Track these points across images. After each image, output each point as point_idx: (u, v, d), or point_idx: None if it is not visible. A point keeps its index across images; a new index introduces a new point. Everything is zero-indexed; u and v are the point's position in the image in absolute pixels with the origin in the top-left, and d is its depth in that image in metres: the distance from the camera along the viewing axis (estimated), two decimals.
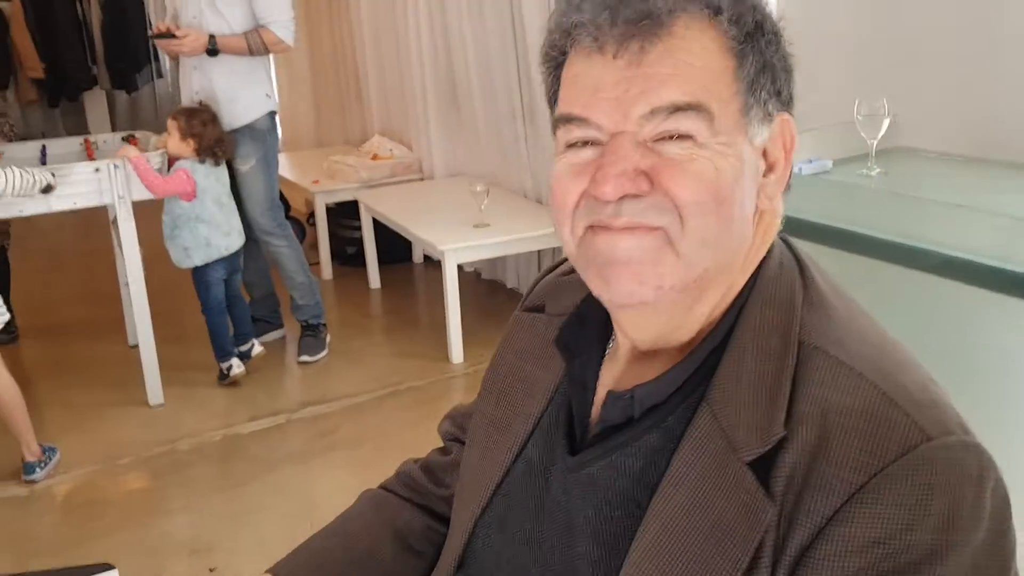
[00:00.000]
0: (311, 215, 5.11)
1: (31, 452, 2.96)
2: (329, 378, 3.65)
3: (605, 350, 0.83)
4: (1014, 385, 1.59)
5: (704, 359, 0.73)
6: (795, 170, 1.98)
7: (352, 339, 4.00)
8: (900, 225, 1.70)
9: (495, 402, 0.90)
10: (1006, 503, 0.67)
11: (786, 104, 0.75)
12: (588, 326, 0.80)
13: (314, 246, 4.96)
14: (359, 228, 4.63)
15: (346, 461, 2.96)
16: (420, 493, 1.02)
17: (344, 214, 4.85)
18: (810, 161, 2.01)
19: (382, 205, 4.22)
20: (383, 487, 1.05)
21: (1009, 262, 1.53)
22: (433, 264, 4.30)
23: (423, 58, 4.60)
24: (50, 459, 3.01)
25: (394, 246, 4.60)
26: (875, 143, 1.96)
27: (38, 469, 2.96)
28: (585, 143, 0.72)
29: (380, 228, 4.40)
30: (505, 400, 0.88)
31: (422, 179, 4.84)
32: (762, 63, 0.72)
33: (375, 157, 5.00)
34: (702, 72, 0.70)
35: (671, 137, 0.70)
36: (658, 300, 0.73)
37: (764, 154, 0.74)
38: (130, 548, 2.57)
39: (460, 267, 3.73)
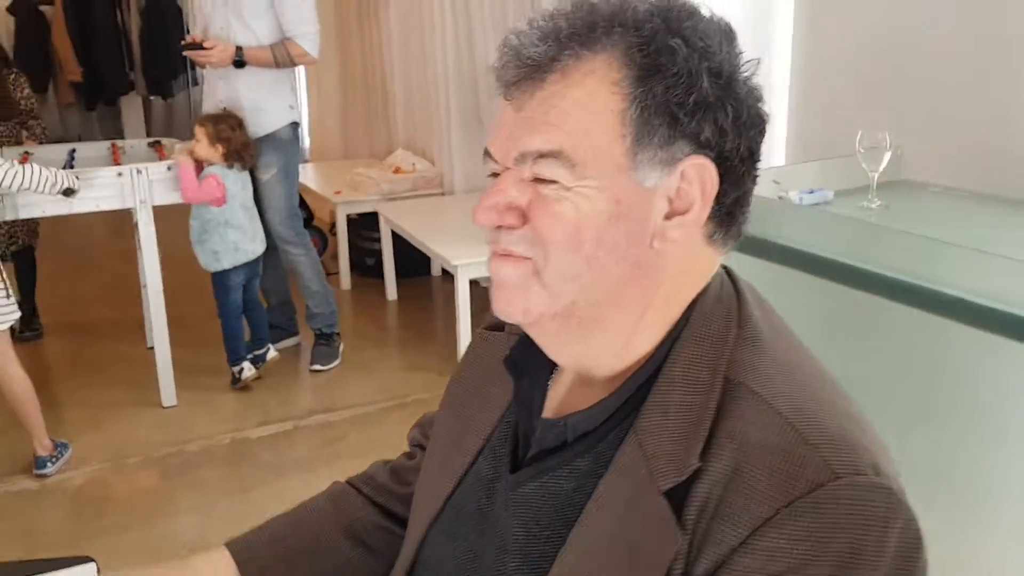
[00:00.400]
0: (334, 225, 5.19)
1: (43, 447, 3.03)
2: (339, 387, 3.70)
3: (553, 372, 0.86)
4: (998, 423, 1.59)
5: (636, 389, 0.76)
6: (796, 200, 2.00)
7: (365, 350, 4.06)
8: (889, 259, 1.71)
9: (453, 415, 0.94)
10: (917, 543, 0.68)
11: (709, 146, 0.74)
12: (537, 347, 0.83)
13: (335, 256, 5.03)
14: (379, 240, 4.70)
15: (350, 470, 2.94)
16: (381, 492, 1.06)
17: (365, 226, 4.92)
18: (811, 191, 2.03)
19: (401, 218, 4.28)
20: (348, 481, 1.09)
21: (997, 301, 1.54)
22: (451, 278, 4.34)
23: (448, 73, 4.66)
24: (62, 454, 3.08)
25: (413, 259, 4.66)
26: (876, 176, 1.98)
27: (49, 464, 3.03)
28: (495, 173, 0.78)
29: (400, 241, 4.45)
30: (462, 414, 0.92)
31: (443, 194, 4.89)
32: (655, 106, 0.72)
33: (398, 170, 5.06)
34: (573, 120, 0.72)
35: (542, 178, 0.74)
36: (532, 324, 0.78)
37: (678, 194, 0.74)
38: (134, 546, 2.62)
39: (476, 282, 3.77)
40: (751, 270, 1.90)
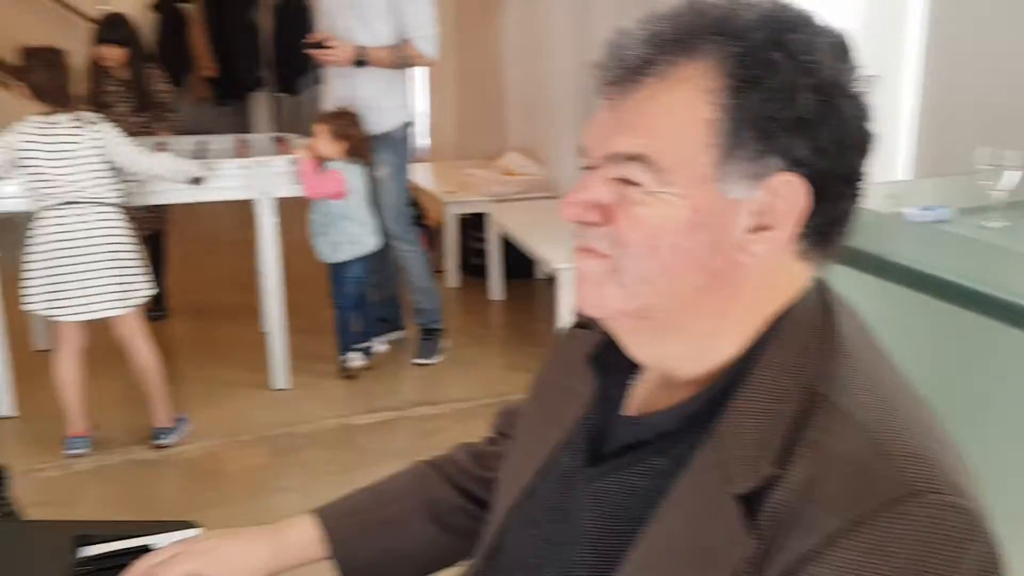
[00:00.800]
0: (445, 224, 5.29)
1: (164, 419, 3.21)
2: (441, 382, 3.78)
3: (636, 371, 0.87)
4: None
5: (717, 394, 0.76)
6: (912, 216, 1.94)
7: (468, 347, 4.13)
8: (1005, 281, 1.64)
9: (537, 407, 0.97)
10: (993, 568, 0.67)
11: (803, 163, 0.72)
12: (621, 346, 0.84)
13: (444, 255, 5.14)
14: (487, 240, 4.77)
15: None
16: (462, 474, 1.11)
17: (475, 226, 5.00)
18: (928, 208, 1.97)
19: (509, 220, 4.34)
20: (431, 462, 1.14)
21: None
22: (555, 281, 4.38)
23: (563, 77, 4.70)
24: (180, 428, 3.26)
25: (520, 261, 4.71)
26: (998, 194, 1.90)
27: (168, 436, 3.21)
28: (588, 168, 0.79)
29: (508, 242, 4.52)
30: (546, 406, 0.95)
31: (553, 197, 4.93)
32: (748, 119, 0.71)
33: (509, 172, 5.13)
34: (663, 125, 0.73)
35: (628, 180, 0.74)
36: (609, 321, 0.80)
37: (764, 210, 0.73)
38: (239, 518, 2.75)
39: None
40: (863, 287, 1.86)
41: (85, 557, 1.10)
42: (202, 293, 4.94)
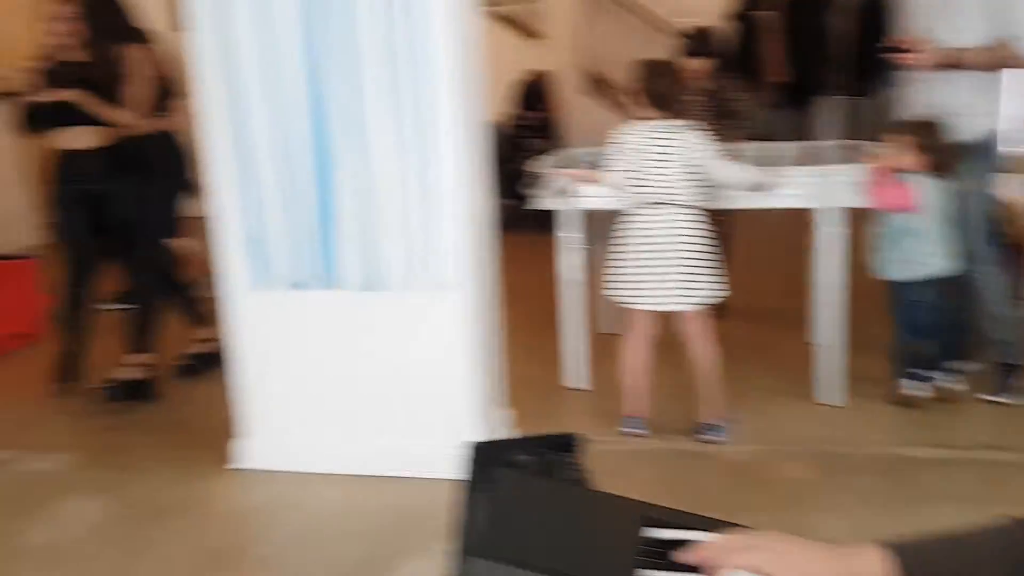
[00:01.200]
0: None
1: (712, 417, 3.32)
2: (1016, 425, 3.32)
3: None
4: None
5: None
6: None
7: None
8: None
9: None
10: None
11: None
12: None
13: None
14: None
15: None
16: None
17: None
18: None
19: None
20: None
21: None
22: None
23: None
24: (727, 428, 3.33)
25: None
26: None
27: (714, 433, 3.31)
28: None
29: None
30: None
31: None
32: None
33: None
34: None
35: None
36: None
37: None
38: (777, 529, 2.71)
39: None
40: None
41: (649, 537, 1.16)
42: (754, 297, 4.97)
